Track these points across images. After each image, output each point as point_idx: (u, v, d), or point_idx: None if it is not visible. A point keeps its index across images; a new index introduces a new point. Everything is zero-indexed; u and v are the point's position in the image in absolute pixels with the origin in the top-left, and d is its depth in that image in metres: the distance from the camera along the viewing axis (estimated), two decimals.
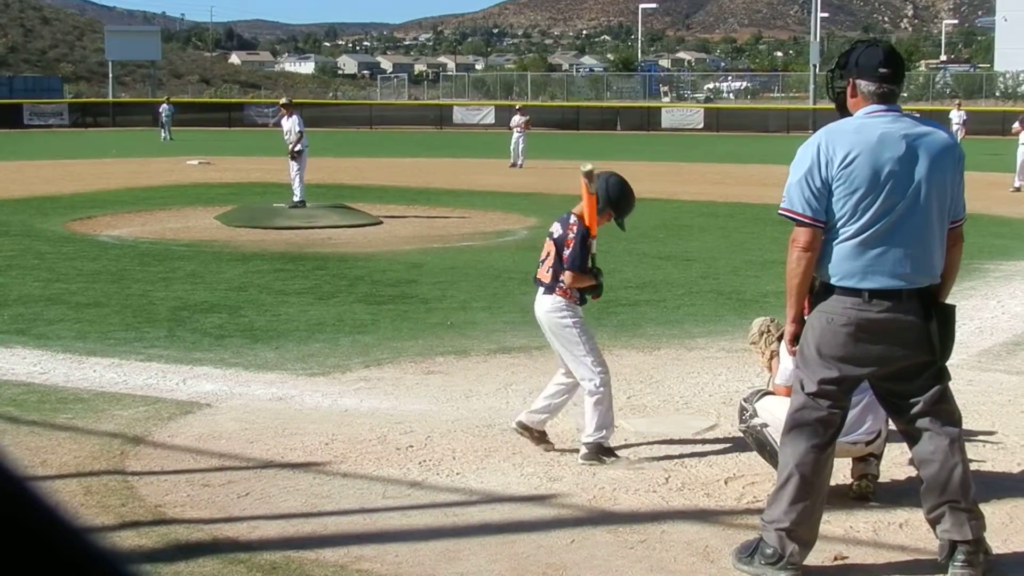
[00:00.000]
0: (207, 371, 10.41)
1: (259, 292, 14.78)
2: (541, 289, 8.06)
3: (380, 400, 9.50)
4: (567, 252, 7.92)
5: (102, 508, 6.84)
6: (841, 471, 6.89)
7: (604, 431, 7.86)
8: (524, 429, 8.14)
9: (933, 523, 5.99)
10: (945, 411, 5.95)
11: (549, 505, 7.10)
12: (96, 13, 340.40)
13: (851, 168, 5.73)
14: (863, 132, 5.82)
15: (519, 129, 39.91)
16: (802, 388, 5.97)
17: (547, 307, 7.99)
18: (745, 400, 7.36)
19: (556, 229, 8.07)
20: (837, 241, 5.81)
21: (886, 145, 5.77)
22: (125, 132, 69.16)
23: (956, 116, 43.02)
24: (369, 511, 6.92)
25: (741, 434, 7.44)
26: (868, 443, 6.93)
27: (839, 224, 5.80)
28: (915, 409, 5.92)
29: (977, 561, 5.87)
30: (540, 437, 8.15)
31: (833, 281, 5.85)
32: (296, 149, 24.60)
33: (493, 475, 7.61)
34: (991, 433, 8.57)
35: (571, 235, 7.95)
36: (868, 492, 7.08)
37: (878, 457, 7.11)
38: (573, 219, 8.02)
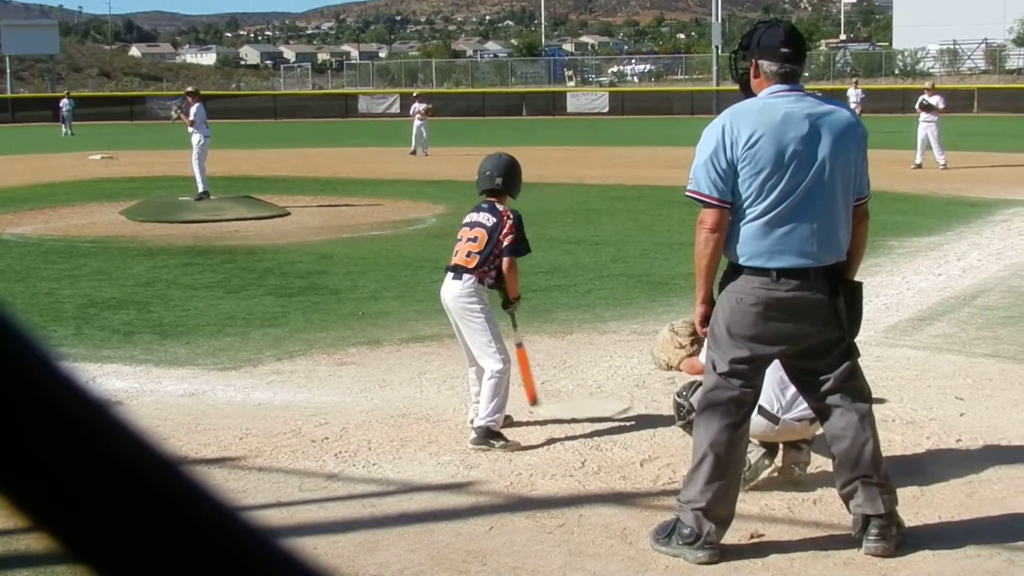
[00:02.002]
0: (117, 368, 10.29)
1: (167, 287, 14.64)
2: (451, 275, 8.11)
3: (293, 393, 9.45)
4: (507, 239, 8.10)
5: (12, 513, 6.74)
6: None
7: (496, 416, 7.93)
8: None
9: (846, 498, 6.07)
10: (855, 387, 6.03)
11: (466, 493, 7.10)
12: None
13: (756, 148, 5.78)
14: (766, 112, 5.87)
15: (419, 116, 39.81)
16: (714, 368, 6.02)
17: (456, 292, 8.05)
18: (679, 396, 7.34)
19: (486, 219, 8.14)
20: (744, 221, 5.86)
21: (790, 125, 5.83)
22: (24, 128, 68.21)
23: (853, 94, 43.50)
24: (286, 504, 6.89)
25: (680, 428, 7.41)
26: (812, 421, 6.87)
27: (745, 204, 5.85)
28: (826, 386, 5.99)
29: (890, 534, 5.96)
30: (505, 421, 8.21)
31: (741, 261, 5.90)
32: (190, 130, 24.62)
33: (410, 464, 7.60)
34: (900, 408, 8.70)
35: (508, 221, 8.11)
36: (801, 479, 7.10)
37: (809, 443, 7.15)
38: (501, 207, 8.20)
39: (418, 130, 39.74)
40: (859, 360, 6.11)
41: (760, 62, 6.00)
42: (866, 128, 6.15)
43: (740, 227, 5.88)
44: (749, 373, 5.98)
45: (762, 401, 6.45)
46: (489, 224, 8.13)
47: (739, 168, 5.83)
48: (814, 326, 5.92)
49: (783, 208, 5.81)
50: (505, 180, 8.27)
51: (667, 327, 7.79)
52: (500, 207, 8.21)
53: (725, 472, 5.94)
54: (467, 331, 8.08)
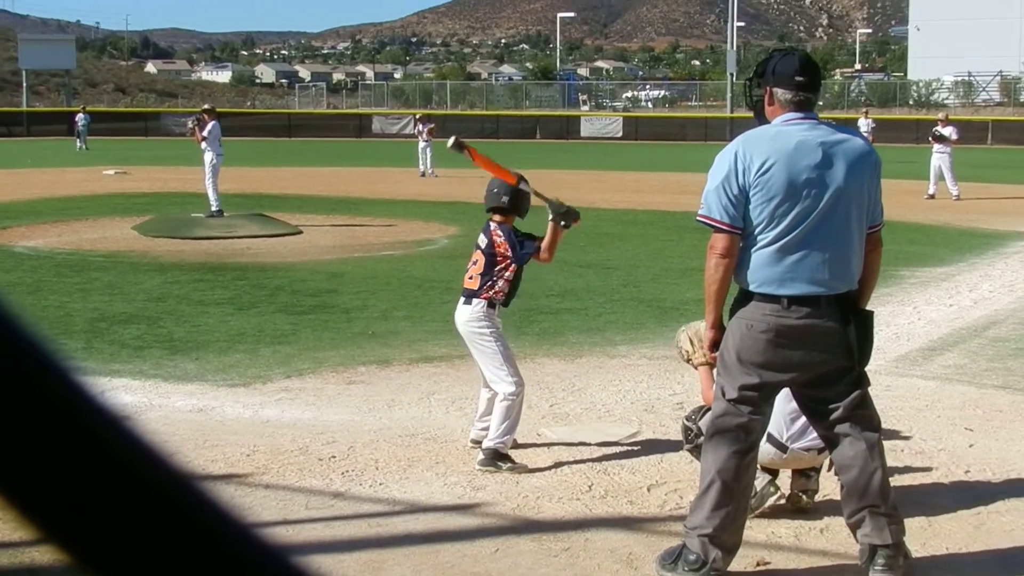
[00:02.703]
0: (126, 383, 10.29)
1: (178, 303, 14.65)
2: (462, 299, 8.16)
3: (302, 410, 9.45)
4: (510, 254, 8.11)
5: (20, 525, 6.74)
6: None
7: (505, 438, 7.93)
8: (478, 444, 8.17)
9: (853, 528, 6.05)
10: (865, 416, 6.01)
11: (473, 514, 7.09)
12: (9, 21, 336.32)
13: (768, 175, 5.78)
14: (780, 139, 5.87)
15: (424, 138, 39.84)
16: (723, 394, 6.00)
17: (466, 317, 8.10)
18: (688, 419, 7.35)
19: (482, 240, 8.19)
20: (755, 248, 5.85)
21: (803, 152, 5.82)
22: (40, 142, 68.33)
23: (864, 124, 43.46)
24: (292, 523, 6.88)
25: (687, 452, 7.42)
26: (820, 451, 6.88)
27: (757, 231, 5.84)
28: (835, 415, 5.97)
29: (897, 565, 5.93)
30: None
31: (752, 288, 5.89)
32: (202, 146, 24.70)
33: (416, 485, 7.59)
34: (909, 438, 8.68)
35: (499, 239, 8.13)
36: (808, 507, 7.10)
37: (817, 471, 7.14)
38: (493, 225, 8.15)
39: (423, 151, 39.76)
40: (869, 389, 6.09)
41: (775, 90, 6.00)
42: (879, 156, 6.14)
43: (751, 253, 5.87)
44: (758, 400, 5.97)
45: (771, 428, 6.44)
46: (483, 245, 8.22)
47: (751, 194, 5.82)
48: (824, 354, 5.90)
49: (795, 235, 5.80)
50: (511, 199, 8.24)
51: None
52: (493, 226, 8.24)
53: (732, 499, 5.93)
54: (478, 355, 8.10)
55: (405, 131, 74.00)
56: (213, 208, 24.31)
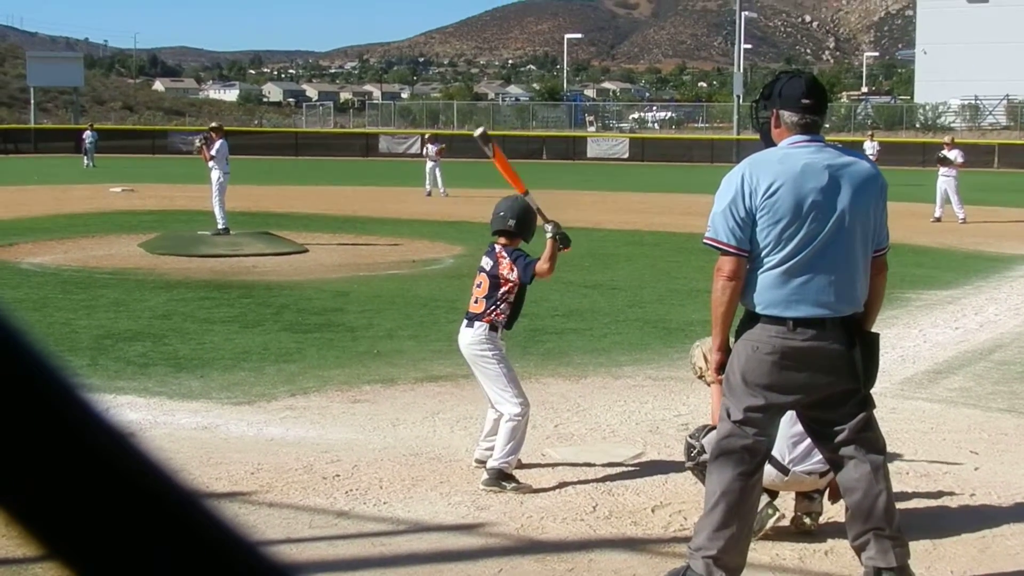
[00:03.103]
0: (131, 400, 10.30)
1: (183, 320, 14.66)
2: (465, 321, 8.16)
3: (306, 429, 9.44)
4: (514, 275, 8.09)
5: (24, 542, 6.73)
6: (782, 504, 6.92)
7: (510, 458, 7.93)
8: (482, 463, 8.16)
9: (858, 550, 6.04)
10: (870, 439, 6.00)
11: (477, 534, 7.08)
12: (18, 38, 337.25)
13: (774, 198, 5.78)
14: (786, 162, 5.87)
15: (432, 158, 39.86)
16: (728, 416, 6.00)
17: (468, 340, 8.11)
18: (691, 437, 7.35)
19: (486, 263, 8.18)
20: (762, 270, 5.85)
21: (809, 175, 5.82)
22: (47, 159, 68.43)
23: (869, 147, 43.52)
24: (295, 541, 6.87)
25: (689, 471, 7.41)
26: (822, 475, 6.89)
27: (763, 253, 5.84)
28: (840, 437, 5.96)
29: None
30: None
31: (758, 310, 5.89)
32: (209, 165, 24.71)
33: (420, 504, 7.59)
34: (914, 461, 8.66)
35: (504, 260, 8.13)
36: (812, 529, 7.08)
37: (821, 493, 7.13)
38: (498, 247, 8.16)
39: (431, 171, 39.76)
40: (874, 411, 6.08)
41: (781, 112, 6.00)
42: (886, 179, 6.14)
43: (758, 276, 5.87)
44: (763, 422, 5.96)
45: (773, 450, 6.43)
46: (488, 268, 8.21)
47: (758, 217, 5.82)
48: (829, 376, 5.90)
49: (801, 258, 5.80)
50: (518, 222, 8.26)
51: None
52: (498, 248, 8.25)
53: (737, 520, 5.91)
54: (482, 377, 8.11)
55: (411, 150, 74.07)
56: (219, 226, 24.33)
